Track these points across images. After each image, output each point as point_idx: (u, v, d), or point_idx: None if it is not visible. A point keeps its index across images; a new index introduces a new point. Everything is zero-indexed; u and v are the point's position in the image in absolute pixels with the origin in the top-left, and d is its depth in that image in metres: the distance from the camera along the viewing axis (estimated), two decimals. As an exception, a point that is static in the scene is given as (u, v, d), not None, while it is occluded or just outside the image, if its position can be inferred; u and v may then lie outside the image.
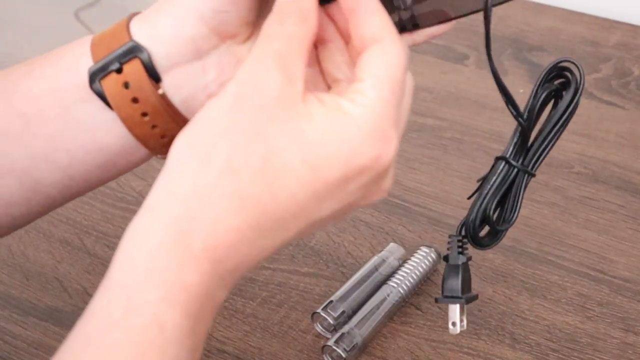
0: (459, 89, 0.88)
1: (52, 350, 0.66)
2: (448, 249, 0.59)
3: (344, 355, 0.63)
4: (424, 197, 0.76)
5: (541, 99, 0.57)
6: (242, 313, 0.68)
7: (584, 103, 0.84)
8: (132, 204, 0.77)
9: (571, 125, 0.82)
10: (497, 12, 1.04)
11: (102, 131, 0.50)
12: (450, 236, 0.58)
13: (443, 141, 0.82)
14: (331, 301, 0.65)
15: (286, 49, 0.44)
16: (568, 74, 0.57)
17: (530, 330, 0.66)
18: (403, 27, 0.53)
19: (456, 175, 0.78)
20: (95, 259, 0.72)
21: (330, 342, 0.63)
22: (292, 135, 0.42)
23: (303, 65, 0.44)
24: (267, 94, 0.43)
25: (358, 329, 0.64)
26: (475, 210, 0.57)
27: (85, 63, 0.50)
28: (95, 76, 0.49)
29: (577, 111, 0.84)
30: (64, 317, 0.68)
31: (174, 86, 0.49)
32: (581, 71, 0.57)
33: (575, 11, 0.97)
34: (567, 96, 0.57)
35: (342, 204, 0.44)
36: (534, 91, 0.57)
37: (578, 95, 0.57)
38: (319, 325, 0.66)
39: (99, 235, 0.75)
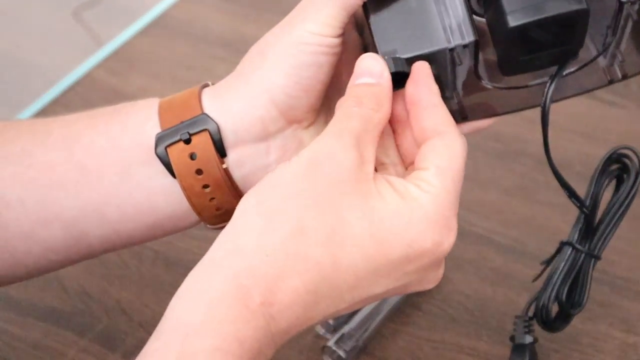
0: (459, 89, 0.88)
1: (51, 350, 0.66)
2: (514, 329, 0.62)
3: (344, 356, 0.63)
4: (424, 197, 0.76)
5: (603, 186, 0.60)
6: (242, 313, 0.68)
7: (585, 103, 0.84)
8: (132, 204, 0.77)
9: (572, 124, 0.82)
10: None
11: (159, 195, 0.52)
12: (517, 317, 0.61)
13: (443, 141, 0.82)
14: None
15: (363, 130, 0.46)
16: (626, 161, 0.59)
17: (530, 331, 0.65)
18: (457, 117, 0.55)
19: (456, 175, 0.78)
20: (94, 259, 0.72)
21: (331, 343, 0.63)
22: (362, 210, 0.44)
23: (374, 148, 0.46)
24: (342, 168, 0.44)
25: (358, 329, 0.64)
26: (547, 295, 0.60)
27: (152, 127, 0.51)
28: (162, 142, 0.50)
29: (578, 110, 0.84)
30: (64, 317, 0.68)
31: (237, 162, 0.51)
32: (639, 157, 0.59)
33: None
34: (628, 182, 0.59)
35: (397, 284, 0.46)
36: (595, 179, 0.60)
37: (638, 181, 0.59)
38: (319, 326, 0.66)
39: (99, 235, 0.75)
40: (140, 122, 0.52)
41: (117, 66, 0.92)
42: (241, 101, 0.51)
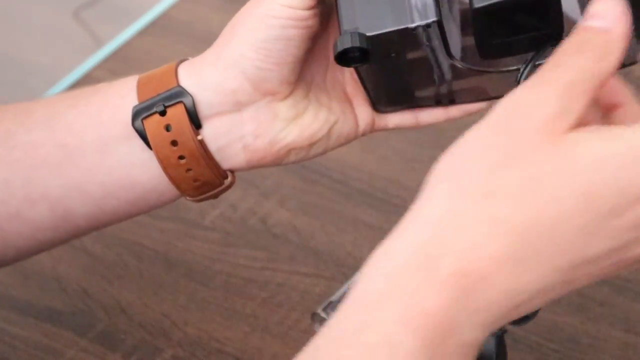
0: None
1: (51, 350, 0.66)
2: None
3: None
4: (424, 197, 0.76)
5: None
6: (242, 313, 0.68)
7: (584, 103, 0.84)
8: (132, 204, 0.77)
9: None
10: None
11: (138, 169, 0.53)
12: None
13: (443, 141, 0.81)
14: (331, 302, 0.65)
15: (576, 80, 0.40)
16: None
17: (530, 331, 0.65)
18: (438, 101, 0.55)
19: (456, 175, 0.78)
20: (94, 259, 0.72)
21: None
22: (557, 162, 0.39)
23: (585, 103, 0.40)
24: (534, 119, 0.39)
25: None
26: None
27: (130, 103, 0.52)
28: (139, 115, 0.52)
29: (578, 111, 0.84)
30: (63, 317, 0.68)
31: (212, 134, 0.52)
32: None
33: (575, 11, 0.97)
34: None
35: (616, 244, 0.39)
36: None
37: None
38: (319, 326, 0.66)
39: (98, 235, 0.74)
40: (119, 98, 0.53)
41: (116, 66, 0.92)
42: (214, 75, 0.52)
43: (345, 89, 0.56)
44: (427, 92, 0.55)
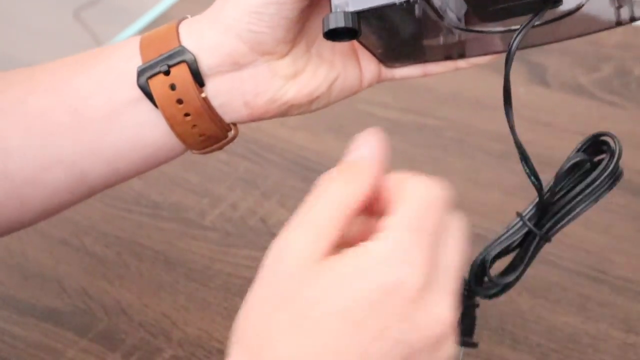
0: (459, 89, 0.88)
1: (51, 350, 0.66)
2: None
3: None
4: (424, 197, 0.76)
5: (570, 164, 0.55)
6: (242, 313, 0.68)
7: (584, 103, 0.84)
8: (131, 203, 0.77)
9: (571, 125, 0.82)
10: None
11: (146, 128, 0.54)
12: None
13: (443, 141, 0.82)
14: None
15: (319, 213, 0.42)
16: (605, 147, 0.55)
17: (530, 331, 0.65)
18: (448, 56, 0.55)
19: (456, 175, 0.78)
20: (94, 259, 0.72)
21: None
22: (315, 293, 0.40)
23: (336, 228, 0.41)
24: (289, 259, 0.42)
25: None
26: (480, 256, 0.55)
27: (135, 65, 0.53)
28: (143, 75, 0.53)
29: (578, 110, 0.84)
30: (63, 317, 0.68)
31: (214, 91, 0.53)
32: (617, 144, 0.55)
33: (575, 11, 0.97)
34: (598, 169, 0.55)
35: (384, 340, 0.39)
36: (566, 164, 0.56)
37: (611, 168, 0.56)
38: None
39: (98, 235, 0.75)
40: (124, 61, 0.54)
41: (117, 66, 0.92)
42: (212, 37, 0.53)
43: (351, 43, 0.55)
44: (434, 49, 0.55)
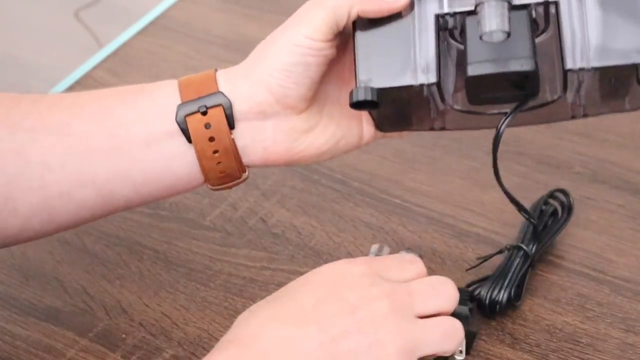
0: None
1: (51, 350, 0.66)
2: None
3: None
4: (424, 197, 0.76)
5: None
6: (242, 313, 0.68)
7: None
8: (132, 204, 0.77)
9: (571, 125, 0.82)
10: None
11: (177, 159, 0.61)
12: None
13: (443, 141, 0.82)
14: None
15: None
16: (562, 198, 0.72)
17: (530, 330, 0.65)
18: (432, 127, 0.63)
19: (456, 175, 0.78)
20: (95, 259, 0.72)
21: None
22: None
23: None
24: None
25: None
26: (501, 288, 0.67)
27: (174, 102, 0.61)
28: (181, 111, 0.60)
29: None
30: (64, 317, 0.68)
31: (240, 134, 0.61)
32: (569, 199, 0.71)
33: (575, 11, 0.97)
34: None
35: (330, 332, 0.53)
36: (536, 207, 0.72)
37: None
38: None
39: (99, 235, 0.75)
40: (164, 97, 0.61)
41: (117, 66, 0.92)
42: (245, 87, 0.61)
43: None
44: (424, 121, 0.63)
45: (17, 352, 0.66)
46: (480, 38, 0.56)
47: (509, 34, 0.55)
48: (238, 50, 0.93)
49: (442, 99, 0.60)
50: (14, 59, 1.98)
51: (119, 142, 0.60)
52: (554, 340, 0.65)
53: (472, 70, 0.56)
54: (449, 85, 0.60)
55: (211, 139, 0.60)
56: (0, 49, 2.02)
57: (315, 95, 0.62)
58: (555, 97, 0.60)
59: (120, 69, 0.92)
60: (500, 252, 0.68)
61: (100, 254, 0.73)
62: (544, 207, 0.71)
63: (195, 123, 0.60)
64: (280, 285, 0.69)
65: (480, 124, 0.63)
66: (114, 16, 2.00)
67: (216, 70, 0.62)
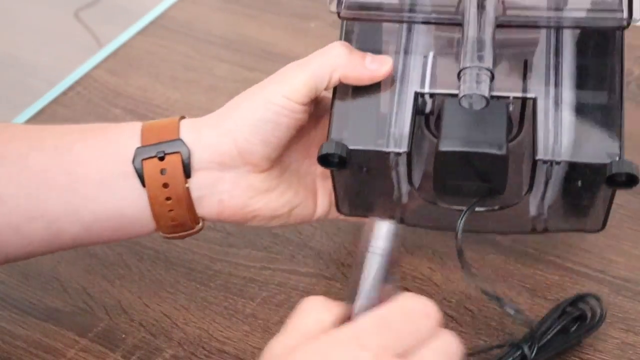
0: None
1: (51, 350, 0.66)
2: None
3: None
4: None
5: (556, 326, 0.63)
6: (242, 313, 0.68)
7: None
8: (132, 204, 0.77)
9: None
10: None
11: (129, 202, 0.61)
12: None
13: (443, 141, 0.82)
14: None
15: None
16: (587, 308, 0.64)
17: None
18: (391, 216, 0.64)
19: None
20: (95, 259, 0.72)
21: None
22: (315, 349, 0.46)
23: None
24: (309, 323, 0.48)
25: None
26: None
27: (133, 144, 0.61)
28: (139, 156, 0.60)
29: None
30: (64, 317, 0.68)
31: (196, 184, 0.61)
32: (602, 307, 0.64)
33: (575, 11, 0.97)
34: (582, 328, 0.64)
35: None
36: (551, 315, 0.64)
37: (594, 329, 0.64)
38: None
39: (99, 235, 0.75)
40: (124, 138, 0.61)
41: (117, 66, 0.92)
42: (211, 136, 0.61)
43: (315, 181, 0.66)
44: (384, 207, 0.64)
45: (17, 352, 0.66)
46: (459, 103, 0.56)
47: (487, 102, 0.56)
48: (238, 50, 0.93)
49: (410, 179, 0.61)
50: (14, 59, 1.98)
51: (74, 180, 0.60)
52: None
53: (444, 146, 0.57)
54: (417, 173, 0.61)
55: (165, 185, 0.60)
56: (0, 49, 2.02)
57: (279, 159, 0.63)
58: (520, 199, 0.60)
59: (120, 69, 0.92)
60: (499, 346, 0.63)
61: (100, 254, 0.73)
62: (569, 308, 0.64)
63: (151, 167, 0.60)
64: (280, 285, 0.70)
65: (440, 224, 0.64)
66: (114, 16, 2.00)
67: (182, 117, 0.63)
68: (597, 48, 0.61)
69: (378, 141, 0.59)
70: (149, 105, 0.87)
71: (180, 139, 0.60)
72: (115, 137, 0.62)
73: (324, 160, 0.59)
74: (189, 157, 0.60)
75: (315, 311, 0.48)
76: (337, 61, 0.60)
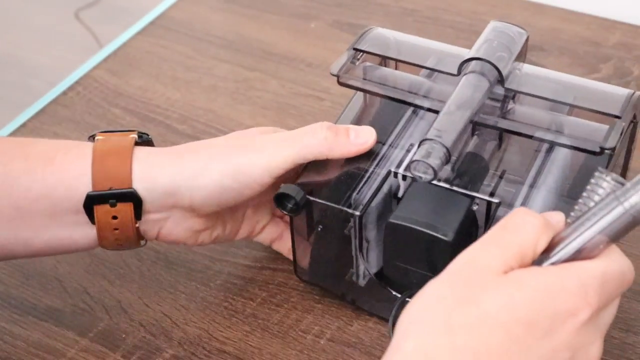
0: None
1: (51, 350, 0.66)
2: None
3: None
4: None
5: None
6: (242, 313, 0.68)
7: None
8: (132, 204, 0.77)
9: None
10: (497, 12, 1.04)
11: (78, 232, 0.62)
12: None
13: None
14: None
15: (513, 244, 0.49)
16: None
17: (530, 330, 0.65)
18: (343, 295, 0.65)
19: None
20: (95, 259, 0.72)
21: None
22: (501, 297, 0.47)
23: (515, 256, 0.49)
24: (484, 270, 0.48)
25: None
26: None
27: (85, 183, 0.61)
28: (92, 201, 0.61)
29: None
30: (64, 317, 0.68)
31: (143, 222, 0.63)
32: None
33: (575, 11, 0.97)
34: None
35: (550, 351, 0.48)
36: None
37: None
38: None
39: (99, 235, 0.75)
40: (74, 177, 0.61)
41: (117, 66, 0.92)
42: (167, 187, 0.61)
43: (244, 213, 0.68)
44: (339, 282, 0.66)
45: (17, 352, 0.66)
46: (408, 167, 0.58)
47: (435, 174, 0.56)
48: (238, 50, 0.93)
49: (360, 247, 0.62)
50: (14, 59, 1.98)
51: (23, 214, 0.61)
52: (554, 340, 0.65)
53: (394, 218, 0.59)
54: (373, 253, 0.63)
55: (116, 228, 0.62)
56: (0, 49, 2.02)
57: (224, 213, 0.66)
58: None
59: (120, 69, 0.92)
60: None
61: (100, 254, 0.73)
62: None
63: (103, 213, 0.61)
64: (280, 285, 0.69)
65: (386, 312, 0.64)
66: (114, 16, 2.00)
67: (137, 142, 0.63)
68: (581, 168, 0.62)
69: (337, 199, 0.61)
70: (149, 105, 0.87)
71: (133, 190, 0.61)
72: (65, 173, 0.61)
73: (281, 201, 0.61)
74: (141, 207, 0.62)
75: (532, 227, 0.49)
76: (324, 144, 0.61)
